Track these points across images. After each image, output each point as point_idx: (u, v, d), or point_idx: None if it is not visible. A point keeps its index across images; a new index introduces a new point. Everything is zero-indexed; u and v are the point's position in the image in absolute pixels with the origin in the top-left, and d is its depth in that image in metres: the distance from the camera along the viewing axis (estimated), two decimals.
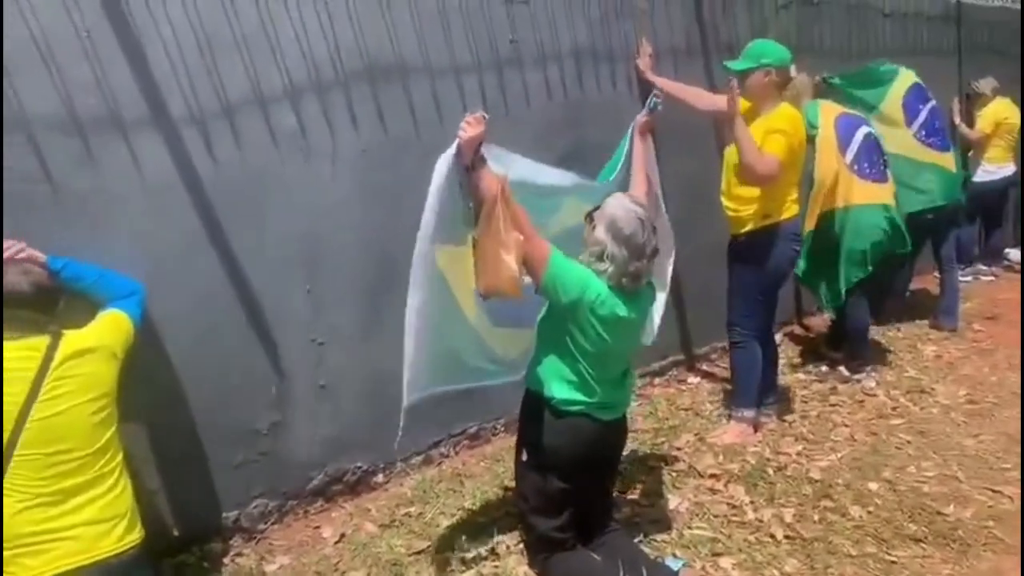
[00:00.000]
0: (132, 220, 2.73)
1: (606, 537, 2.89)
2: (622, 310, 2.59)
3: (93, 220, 2.64)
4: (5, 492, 2.20)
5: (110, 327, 2.47)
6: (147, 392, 2.72)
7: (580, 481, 2.74)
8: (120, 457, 2.40)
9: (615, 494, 3.15)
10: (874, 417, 4.08)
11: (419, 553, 3.00)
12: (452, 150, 2.54)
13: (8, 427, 2.18)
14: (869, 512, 3.18)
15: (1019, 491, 3.25)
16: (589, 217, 2.65)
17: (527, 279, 2.57)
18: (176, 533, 2.93)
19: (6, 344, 2.25)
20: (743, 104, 3.77)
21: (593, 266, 2.60)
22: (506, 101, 3.68)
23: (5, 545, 2.20)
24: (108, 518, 2.30)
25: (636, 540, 2.99)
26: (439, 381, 2.81)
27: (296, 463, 3.27)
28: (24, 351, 2.25)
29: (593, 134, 3.90)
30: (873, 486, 3.37)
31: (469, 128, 2.52)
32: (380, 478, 3.56)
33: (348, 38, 3.14)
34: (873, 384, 4.49)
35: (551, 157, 3.77)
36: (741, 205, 3.74)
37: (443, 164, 2.53)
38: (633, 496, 3.37)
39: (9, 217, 2.46)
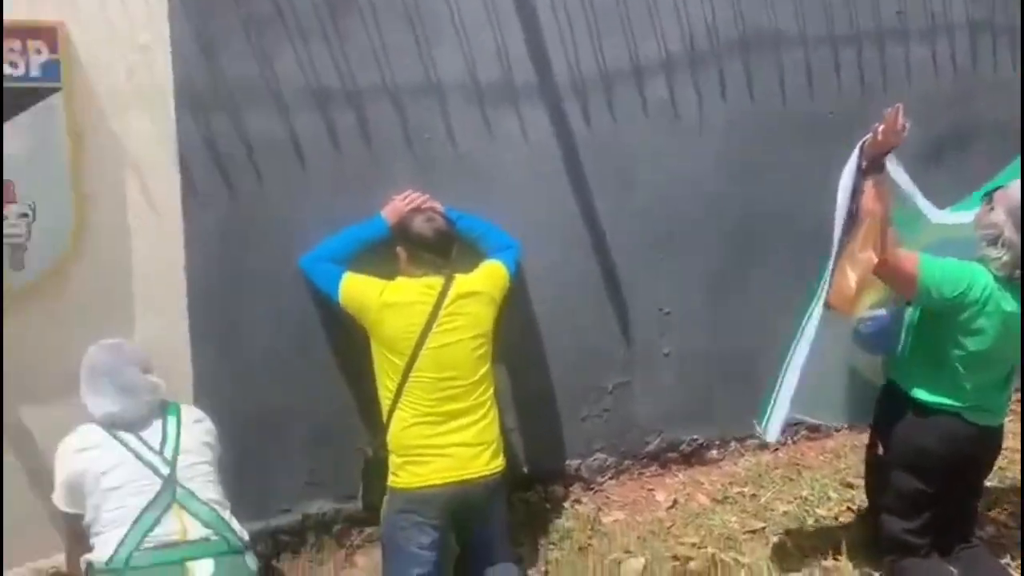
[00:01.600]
0: (514, 181, 2.96)
1: (966, 552, 2.64)
2: (1009, 304, 2.33)
3: (483, 178, 2.91)
4: (400, 407, 2.53)
5: (491, 275, 2.72)
6: (512, 339, 2.94)
7: (942, 485, 2.53)
8: (492, 391, 2.64)
9: (980, 510, 2.85)
10: None
11: (753, 532, 2.96)
12: (858, 147, 2.40)
13: (408, 351, 2.51)
14: None
15: None
16: (988, 196, 2.40)
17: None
18: (524, 471, 3.17)
19: (410, 281, 2.59)
20: None
21: (984, 251, 2.37)
22: (885, 76, 3.43)
23: (397, 452, 2.54)
24: (479, 443, 2.55)
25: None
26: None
27: (635, 425, 3.37)
28: (424, 287, 2.56)
29: (982, 114, 3.51)
30: None
31: (885, 135, 2.33)
32: (714, 453, 3.55)
33: (725, 7, 3.13)
34: None
35: (928, 137, 3.49)
36: None
37: (852, 158, 2.42)
38: (1000, 516, 3.02)
39: (420, 172, 2.79)
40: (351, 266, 2.61)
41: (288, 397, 2.76)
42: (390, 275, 2.60)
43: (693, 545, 2.94)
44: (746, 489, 3.29)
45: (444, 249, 2.62)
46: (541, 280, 3.07)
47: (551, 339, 3.15)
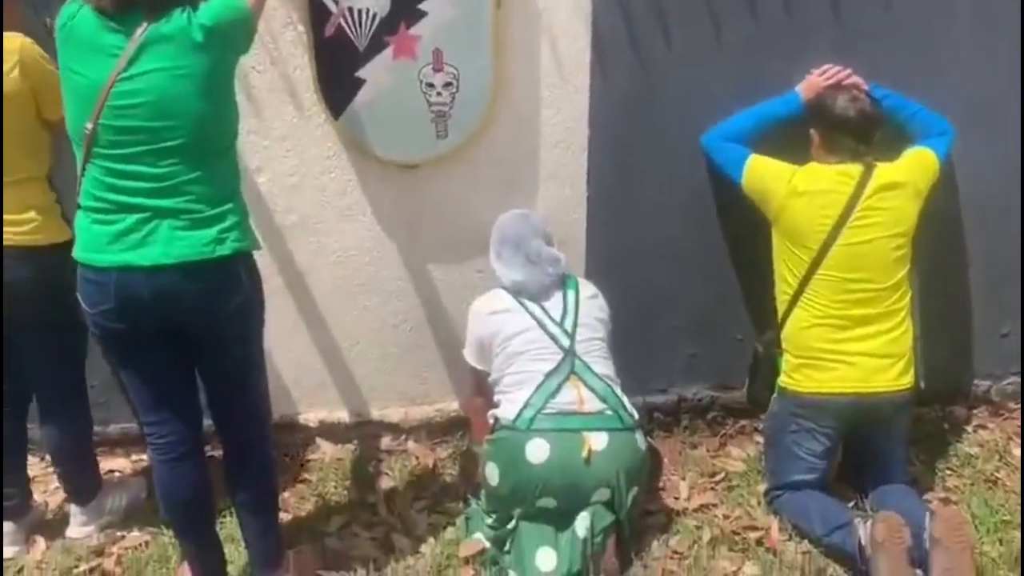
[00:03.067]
0: (957, 54, 2.52)
1: None
2: None
3: (918, 51, 2.50)
4: (800, 305, 2.35)
5: (918, 164, 2.39)
6: (929, 236, 2.54)
7: None
8: (908, 299, 2.36)
9: None
10: None
11: None
12: None
13: (816, 246, 2.29)
14: None
15: None
16: None
17: None
18: (922, 386, 2.83)
19: (823, 167, 2.33)
20: None
21: None
22: None
23: (793, 353, 2.38)
24: (887, 355, 2.31)
25: None
26: None
27: None
28: (839, 176, 2.31)
29: None
30: None
31: None
32: None
33: None
34: None
35: None
36: None
37: None
38: None
39: (845, 44, 2.46)
40: (757, 147, 2.42)
41: (676, 279, 2.70)
42: (800, 160, 2.37)
43: None
44: None
45: (866, 133, 2.33)
46: (973, 172, 2.64)
47: (976, 240, 2.74)
